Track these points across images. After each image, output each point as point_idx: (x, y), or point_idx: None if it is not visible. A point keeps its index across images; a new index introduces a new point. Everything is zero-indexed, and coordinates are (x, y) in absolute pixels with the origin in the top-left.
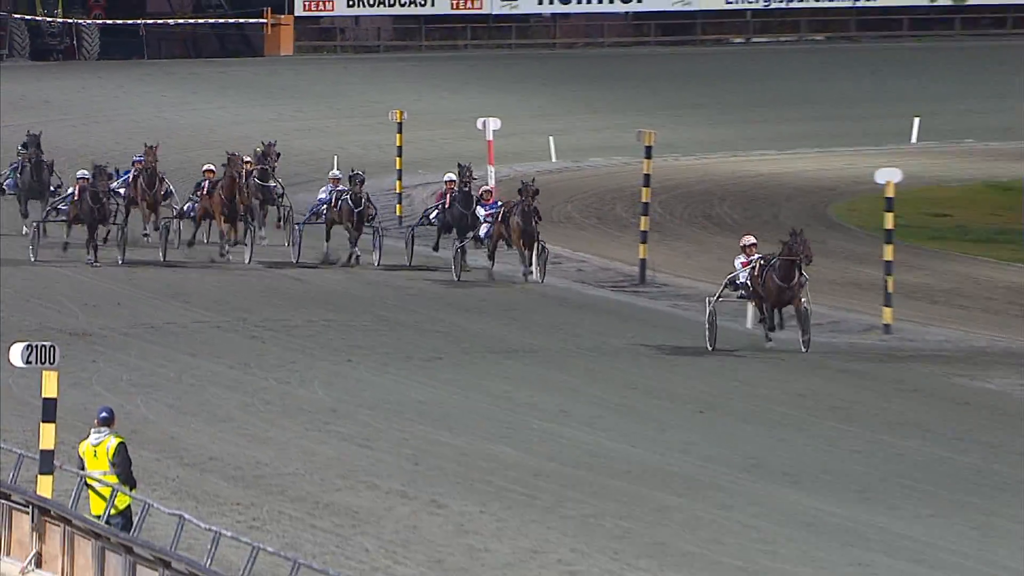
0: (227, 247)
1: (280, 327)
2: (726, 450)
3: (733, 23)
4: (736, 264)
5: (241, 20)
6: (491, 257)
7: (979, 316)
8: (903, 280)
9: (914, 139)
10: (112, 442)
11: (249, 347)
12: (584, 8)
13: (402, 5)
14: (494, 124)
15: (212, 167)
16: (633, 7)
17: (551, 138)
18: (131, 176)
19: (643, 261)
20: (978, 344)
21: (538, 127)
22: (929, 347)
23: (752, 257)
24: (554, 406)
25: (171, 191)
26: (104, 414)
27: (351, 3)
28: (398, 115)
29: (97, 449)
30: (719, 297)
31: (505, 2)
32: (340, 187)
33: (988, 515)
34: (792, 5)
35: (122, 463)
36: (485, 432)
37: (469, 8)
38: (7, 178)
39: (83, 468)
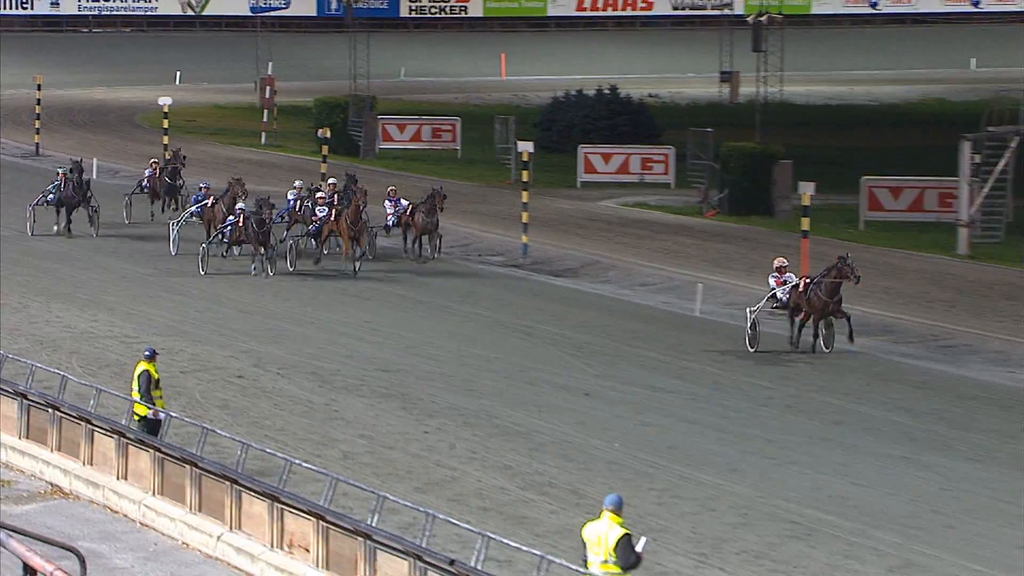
0: (353, 261)
1: None
2: (147, 269)
3: (123, 18)
4: (770, 282)
5: None
6: (405, 240)
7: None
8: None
9: (178, 82)
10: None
11: None
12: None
13: None
14: None
15: (335, 180)
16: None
17: None
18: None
19: (37, 144)
20: None
21: None
22: None
23: (786, 276)
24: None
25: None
26: None
27: None
28: None
29: None
30: (759, 308)
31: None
32: (401, 199)
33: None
34: (126, 14)
35: None
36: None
37: None
38: (51, 193)
39: None
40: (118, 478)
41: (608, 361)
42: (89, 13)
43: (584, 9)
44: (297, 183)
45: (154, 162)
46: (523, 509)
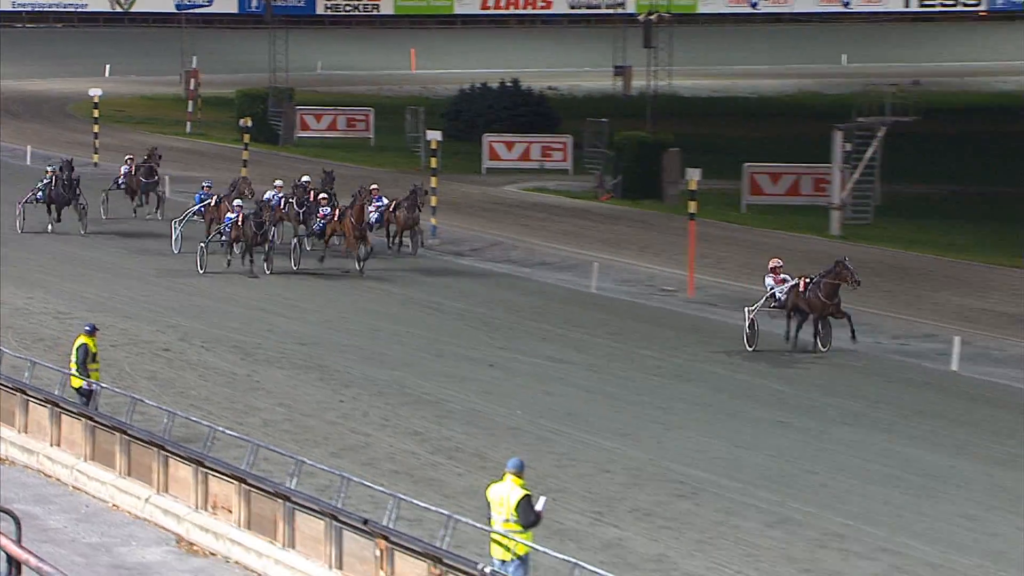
0: (359, 260)
1: None
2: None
3: (55, 14)
4: (767, 282)
5: None
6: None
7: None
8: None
9: (107, 75)
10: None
11: None
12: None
13: None
14: None
15: (308, 178)
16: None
17: None
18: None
19: None
20: None
21: None
22: None
23: (782, 276)
24: None
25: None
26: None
27: None
28: None
29: None
30: (758, 308)
31: None
32: (383, 197)
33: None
34: (58, 10)
35: None
36: None
37: None
38: (39, 191)
39: None
40: (52, 445)
41: (511, 334)
42: (23, 9)
43: (488, 8)
44: (277, 183)
45: (129, 158)
46: (432, 472)
